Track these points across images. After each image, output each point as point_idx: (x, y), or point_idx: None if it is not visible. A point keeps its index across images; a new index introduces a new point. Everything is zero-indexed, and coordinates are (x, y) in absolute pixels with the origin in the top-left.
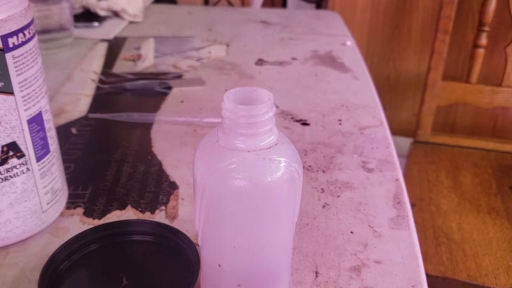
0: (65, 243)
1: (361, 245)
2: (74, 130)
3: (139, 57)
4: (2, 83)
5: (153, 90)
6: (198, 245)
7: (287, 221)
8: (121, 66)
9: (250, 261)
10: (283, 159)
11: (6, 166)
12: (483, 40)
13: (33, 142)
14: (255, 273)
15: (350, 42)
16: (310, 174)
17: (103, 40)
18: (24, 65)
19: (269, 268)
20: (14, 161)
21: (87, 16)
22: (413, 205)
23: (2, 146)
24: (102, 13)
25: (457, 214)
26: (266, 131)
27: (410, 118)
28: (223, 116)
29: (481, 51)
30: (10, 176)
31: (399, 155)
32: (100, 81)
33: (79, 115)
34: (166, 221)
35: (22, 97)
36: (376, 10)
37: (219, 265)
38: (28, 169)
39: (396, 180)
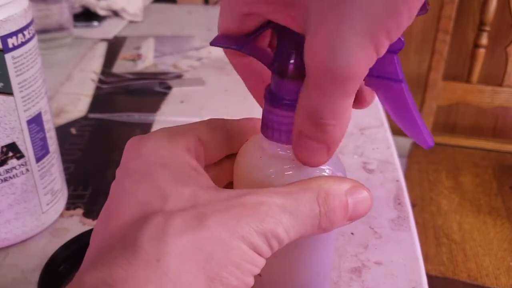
0: (64, 244)
1: (362, 246)
2: (73, 130)
3: (139, 57)
4: (2, 84)
5: (153, 90)
6: None
7: None
8: (121, 66)
9: (291, 270)
10: (327, 167)
11: (5, 167)
12: (484, 40)
13: (32, 143)
14: (295, 282)
15: None
16: None
17: (103, 40)
18: (24, 65)
19: (309, 277)
20: (13, 162)
21: (86, 16)
22: (413, 205)
23: (2, 147)
24: (101, 12)
25: (457, 214)
26: None
27: None
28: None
29: (481, 51)
30: (10, 177)
31: (400, 155)
32: (100, 81)
33: (79, 115)
34: None
35: (22, 97)
36: None
37: (260, 275)
38: (27, 170)
39: (397, 181)
